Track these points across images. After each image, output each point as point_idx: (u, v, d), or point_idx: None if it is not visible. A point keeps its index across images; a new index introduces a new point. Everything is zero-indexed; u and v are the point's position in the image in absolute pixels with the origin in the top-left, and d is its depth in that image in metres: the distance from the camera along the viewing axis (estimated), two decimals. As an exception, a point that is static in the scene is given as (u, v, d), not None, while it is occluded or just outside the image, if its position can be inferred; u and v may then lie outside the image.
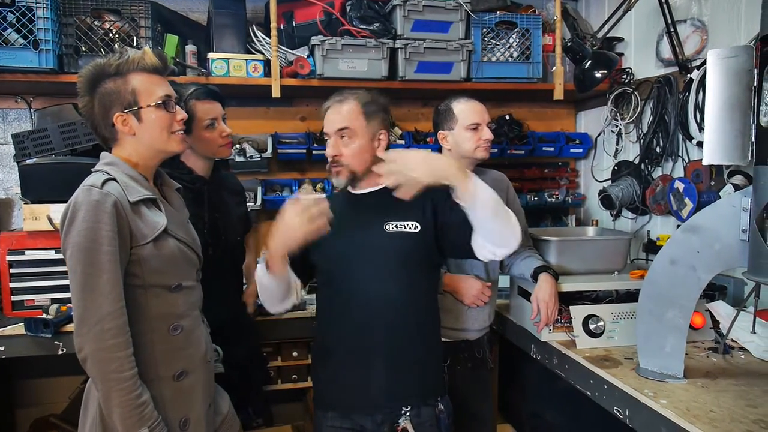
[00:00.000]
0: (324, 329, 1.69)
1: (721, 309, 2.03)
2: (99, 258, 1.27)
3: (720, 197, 2.14)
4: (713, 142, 1.46)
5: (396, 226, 1.59)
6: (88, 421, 1.38)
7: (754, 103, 1.39)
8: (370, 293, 1.58)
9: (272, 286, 1.57)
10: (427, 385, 1.64)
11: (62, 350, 2.07)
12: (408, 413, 1.58)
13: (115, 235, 1.29)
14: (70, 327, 2.08)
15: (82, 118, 1.43)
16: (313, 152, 2.86)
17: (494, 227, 1.45)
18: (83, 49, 2.38)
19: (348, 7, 2.63)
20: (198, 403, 1.47)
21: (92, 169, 1.40)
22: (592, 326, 1.94)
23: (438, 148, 2.11)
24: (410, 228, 1.58)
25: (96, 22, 2.41)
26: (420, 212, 1.60)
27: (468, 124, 1.99)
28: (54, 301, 2.20)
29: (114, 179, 1.34)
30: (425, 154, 1.44)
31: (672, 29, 2.43)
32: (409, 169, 1.38)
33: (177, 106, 1.46)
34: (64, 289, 2.18)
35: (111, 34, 2.41)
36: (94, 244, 1.27)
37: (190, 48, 2.63)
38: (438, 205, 1.59)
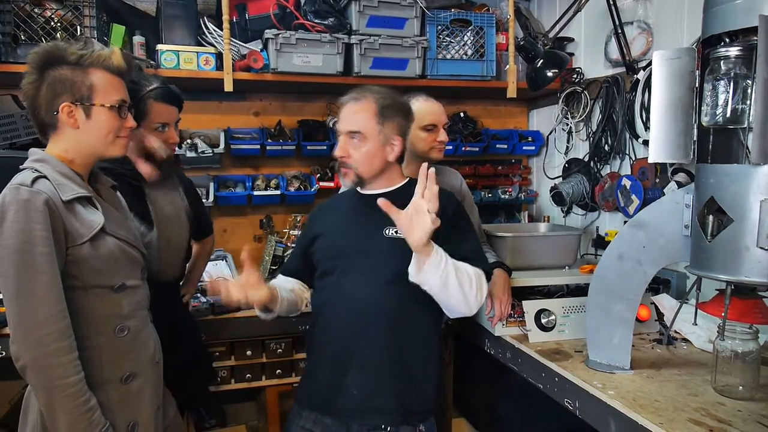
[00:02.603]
0: (314, 323, 1.65)
1: (665, 302, 2.11)
2: (34, 260, 1.21)
3: (664, 194, 2.22)
4: (658, 140, 1.50)
5: (396, 232, 1.51)
6: (28, 428, 1.31)
7: (696, 104, 1.45)
8: (356, 299, 1.54)
9: (275, 315, 1.62)
10: (408, 405, 1.53)
11: (1, 354, 1.97)
12: (387, 429, 1.51)
13: (50, 234, 1.22)
14: (8, 329, 1.98)
15: (23, 96, 1.34)
16: (267, 148, 2.82)
17: (441, 299, 1.48)
18: (22, 37, 2.26)
19: (302, 1, 2.60)
20: (146, 406, 1.42)
21: (20, 167, 1.32)
22: (543, 320, 1.98)
23: None
24: None
25: (36, 10, 2.29)
26: None
27: (424, 124, 1.97)
28: (-9, 302, 2.09)
29: (44, 177, 1.27)
30: (423, 223, 1.36)
31: (619, 31, 2.50)
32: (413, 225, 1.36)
33: (129, 113, 1.41)
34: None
35: (53, 23, 2.30)
36: (27, 245, 1.20)
37: (137, 39, 2.53)
38: (441, 220, 1.51)
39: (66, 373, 1.23)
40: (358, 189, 1.65)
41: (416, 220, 1.35)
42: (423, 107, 1.99)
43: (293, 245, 2.60)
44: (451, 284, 1.42)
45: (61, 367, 1.22)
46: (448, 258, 1.43)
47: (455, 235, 1.55)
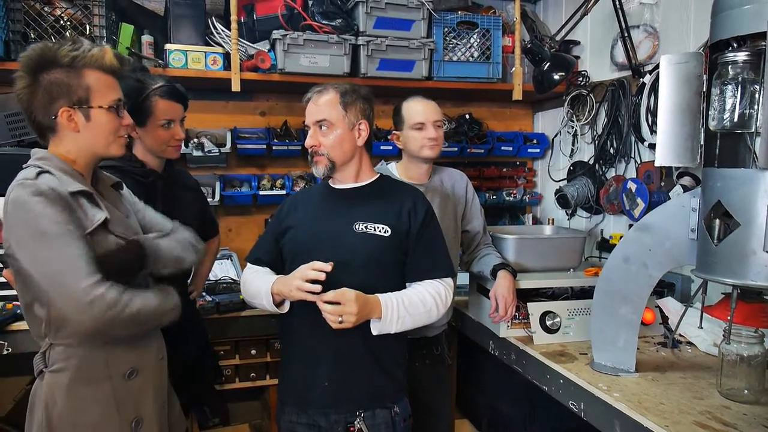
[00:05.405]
0: (284, 321, 1.66)
1: (670, 305, 2.11)
2: (51, 243, 1.22)
3: (670, 198, 2.22)
4: (664, 144, 1.51)
5: (366, 227, 1.58)
6: (34, 426, 1.32)
7: (703, 108, 1.45)
8: (324, 291, 1.54)
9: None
10: (380, 390, 1.61)
11: (7, 350, 1.98)
12: (362, 414, 1.57)
13: (62, 219, 1.23)
14: (15, 326, 2.00)
15: (18, 100, 1.33)
16: (273, 148, 2.83)
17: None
18: (32, 36, 2.27)
19: (310, 2, 2.61)
20: (150, 402, 1.43)
21: (24, 165, 1.32)
22: (548, 322, 1.99)
23: (399, 150, 2.12)
24: (380, 231, 1.58)
25: (46, 8, 2.30)
26: (395, 217, 1.61)
27: (413, 123, 2.00)
28: (-2, 299, 2.10)
29: (48, 172, 1.28)
30: (363, 301, 1.47)
31: (626, 34, 2.51)
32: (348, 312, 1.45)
33: (125, 111, 1.41)
34: (8, 285, 2.08)
35: (62, 22, 2.31)
36: (39, 231, 1.22)
37: (146, 38, 2.55)
38: (412, 220, 1.62)
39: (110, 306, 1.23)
40: (330, 183, 1.69)
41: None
42: (411, 106, 2.03)
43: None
44: (410, 324, 1.56)
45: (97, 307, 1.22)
46: (399, 304, 1.53)
47: (424, 240, 1.63)
